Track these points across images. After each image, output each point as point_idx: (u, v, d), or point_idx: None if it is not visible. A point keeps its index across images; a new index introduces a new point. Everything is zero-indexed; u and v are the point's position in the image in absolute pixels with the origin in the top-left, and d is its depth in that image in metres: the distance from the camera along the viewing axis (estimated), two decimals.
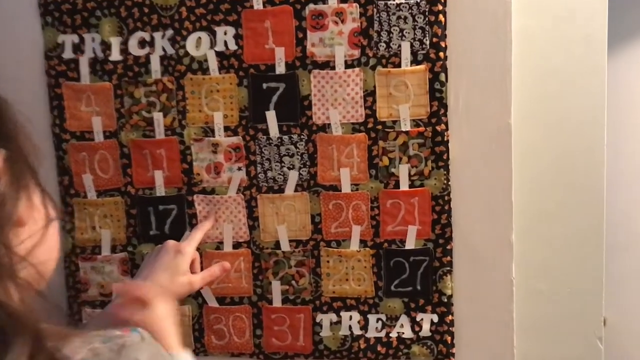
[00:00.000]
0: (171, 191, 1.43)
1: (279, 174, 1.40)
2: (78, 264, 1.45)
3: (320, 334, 1.43)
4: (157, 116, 1.41)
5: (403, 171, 1.36)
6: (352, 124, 1.36)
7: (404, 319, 1.40)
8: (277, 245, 1.42)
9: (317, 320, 1.43)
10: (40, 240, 0.73)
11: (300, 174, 1.39)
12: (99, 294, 1.46)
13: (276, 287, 1.43)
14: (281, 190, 1.40)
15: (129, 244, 1.45)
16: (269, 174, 1.40)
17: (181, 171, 1.42)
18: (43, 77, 1.43)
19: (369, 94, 1.35)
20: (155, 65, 1.40)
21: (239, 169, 1.41)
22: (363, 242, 1.39)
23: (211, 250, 1.43)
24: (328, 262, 1.41)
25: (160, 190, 1.43)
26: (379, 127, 1.35)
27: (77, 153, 1.43)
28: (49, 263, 0.78)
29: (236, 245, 1.43)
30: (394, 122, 1.35)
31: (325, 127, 1.37)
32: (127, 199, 1.44)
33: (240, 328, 1.45)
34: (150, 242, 1.44)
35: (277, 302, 1.43)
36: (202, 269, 1.41)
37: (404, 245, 1.38)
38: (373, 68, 1.34)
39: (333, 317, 1.42)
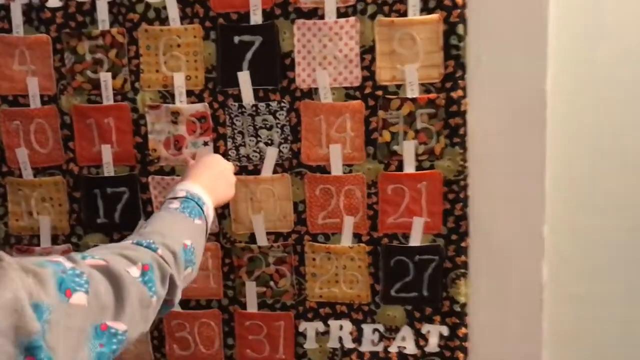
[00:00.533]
0: (122, 170, 1.17)
1: (254, 151, 1.13)
2: (13, 255, 1.20)
3: (304, 345, 1.18)
4: (105, 77, 1.14)
5: (408, 149, 1.08)
6: (346, 88, 1.09)
7: (406, 331, 1.14)
8: (252, 238, 1.16)
9: (301, 329, 1.17)
10: None
11: (280, 151, 1.12)
12: None
13: (251, 289, 1.17)
14: (257, 171, 1.14)
15: (73, 233, 1.19)
16: (242, 150, 1.13)
17: (133, 146, 1.15)
18: None
19: (367, 51, 1.07)
20: (102, 13, 1.13)
21: (205, 143, 1.14)
22: (357, 237, 1.13)
23: None
24: (314, 260, 1.15)
25: (109, 169, 1.16)
26: (379, 92, 1.08)
27: (9, 122, 1.17)
28: None
29: None
30: (398, 86, 1.07)
31: (311, 93, 1.10)
32: (70, 179, 1.18)
33: (208, 336, 1.20)
34: (97, 232, 1.19)
35: (252, 306, 1.18)
36: None
37: (408, 242, 1.11)
38: (372, 17, 1.06)
39: (320, 326, 1.17)
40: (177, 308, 1.19)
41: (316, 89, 1.10)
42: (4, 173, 1.19)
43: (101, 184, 1.17)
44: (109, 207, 1.17)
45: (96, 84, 1.14)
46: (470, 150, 1.08)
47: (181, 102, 1.13)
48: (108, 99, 1.14)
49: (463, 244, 1.10)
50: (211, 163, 1.02)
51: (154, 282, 0.73)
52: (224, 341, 1.20)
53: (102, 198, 1.17)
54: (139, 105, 1.14)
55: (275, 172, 1.13)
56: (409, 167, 1.09)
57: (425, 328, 1.14)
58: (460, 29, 1.03)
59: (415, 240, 1.11)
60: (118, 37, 1.13)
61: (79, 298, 0.62)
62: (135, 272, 0.71)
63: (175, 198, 0.90)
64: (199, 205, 0.91)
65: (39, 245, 1.20)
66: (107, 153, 1.16)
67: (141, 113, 1.14)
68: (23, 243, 1.20)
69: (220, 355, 1.20)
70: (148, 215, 1.16)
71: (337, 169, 1.11)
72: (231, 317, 1.19)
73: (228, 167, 1.05)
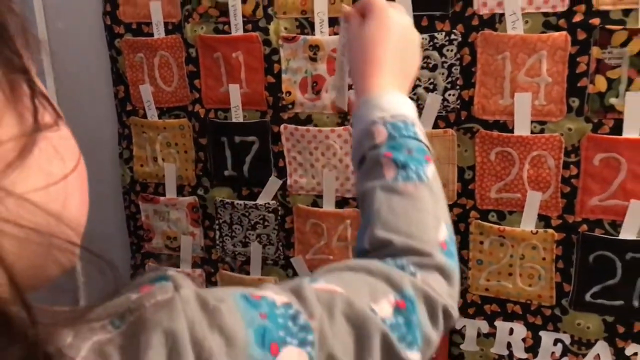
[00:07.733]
0: (252, 116, 0.97)
1: (410, 98, 0.87)
2: (139, 204, 1.09)
3: (461, 346, 0.94)
4: (234, 0, 0.93)
5: (633, 104, 0.76)
6: (545, 15, 0.78)
7: (602, 348, 0.86)
8: None
9: (458, 326, 0.93)
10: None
11: (444, 99, 0.85)
12: (165, 247, 1.09)
13: None
14: None
15: (199, 185, 1.04)
16: None
17: (265, 87, 0.95)
18: None
19: None
20: None
21: (350, 87, 0.90)
22: (544, 220, 0.85)
23: (304, 207, 0.97)
24: (481, 243, 0.89)
25: (237, 114, 0.98)
26: (595, 21, 0.75)
27: (132, 54, 1.02)
28: (74, 212, 0.33)
29: (341, 203, 0.96)
30: (626, 12, 0.74)
31: (493, 20, 0.80)
32: (195, 123, 1.01)
33: None
34: (224, 186, 1.02)
35: None
36: (293, 231, 0.98)
37: (618, 233, 0.81)
38: None
39: (483, 325, 0.92)
40: None
41: (500, 15, 0.80)
42: (129, 112, 1.06)
43: (229, 131, 0.99)
44: (237, 158, 1.00)
45: (224, 10, 0.94)
46: None
47: (322, 33, 0.90)
48: (237, 28, 0.94)
49: None
50: (398, 30, 0.58)
51: (415, 327, 0.43)
52: None
53: (229, 147, 1.00)
54: (271, 36, 0.92)
55: (436, 126, 0.87)
56: (632, 130, 0.77)
57: (632, 349, 0.84)
58: None
59: (630, 231, 0.80)
60: None
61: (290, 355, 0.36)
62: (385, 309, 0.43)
63: (375, 147, 0.52)
64: (414, 137, 0.52)
65: (164, 194, 1.07)
66: (235, 94, 0.97)
67: (274, 47, 0.93)
68: (148, 191, 1.08)
69: None
70: (279, 171, 0.97)
71: (523, 127, 0.82)
72: None
73: (415, 35, 0.61)
